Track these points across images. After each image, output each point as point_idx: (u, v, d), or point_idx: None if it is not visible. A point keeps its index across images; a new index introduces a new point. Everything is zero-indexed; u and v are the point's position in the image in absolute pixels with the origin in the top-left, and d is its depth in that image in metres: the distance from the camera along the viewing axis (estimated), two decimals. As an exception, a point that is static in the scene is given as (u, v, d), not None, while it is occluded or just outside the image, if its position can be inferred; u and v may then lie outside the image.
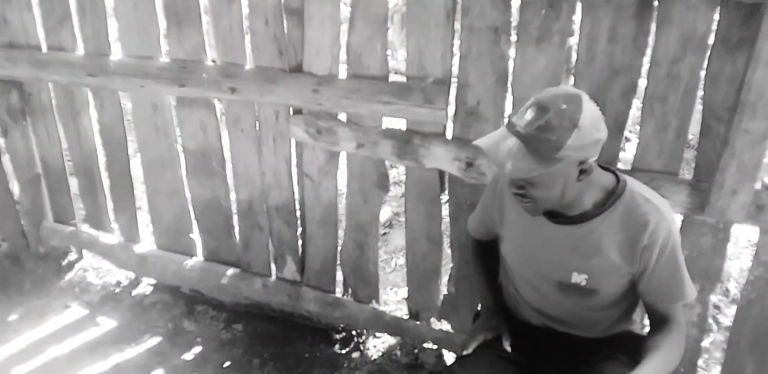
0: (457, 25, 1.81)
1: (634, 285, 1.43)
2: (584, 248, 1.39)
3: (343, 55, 1.99)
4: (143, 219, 2.71)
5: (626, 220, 1.35)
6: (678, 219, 1.72)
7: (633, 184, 1.40)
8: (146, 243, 2.68)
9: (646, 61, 1.61)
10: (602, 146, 1.30)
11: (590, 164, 1.29)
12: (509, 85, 1.80)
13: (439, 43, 1.83)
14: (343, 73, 2.02)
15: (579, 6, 1.63)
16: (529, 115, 1.23)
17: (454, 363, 1.55)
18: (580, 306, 1.46)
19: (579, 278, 1.41)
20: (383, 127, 2.02)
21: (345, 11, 1.99)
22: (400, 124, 1.99)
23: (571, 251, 1.40)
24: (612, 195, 1.37)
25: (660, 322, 1.42)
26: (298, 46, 2.03)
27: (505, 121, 1.84)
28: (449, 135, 1.94)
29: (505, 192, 1.50)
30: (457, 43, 1.83)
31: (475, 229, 1.70)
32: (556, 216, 1.41)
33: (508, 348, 1.49)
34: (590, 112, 1.25)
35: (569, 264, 1.41)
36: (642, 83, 1.65)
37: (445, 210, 2.08)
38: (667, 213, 1.36)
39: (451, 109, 1.89)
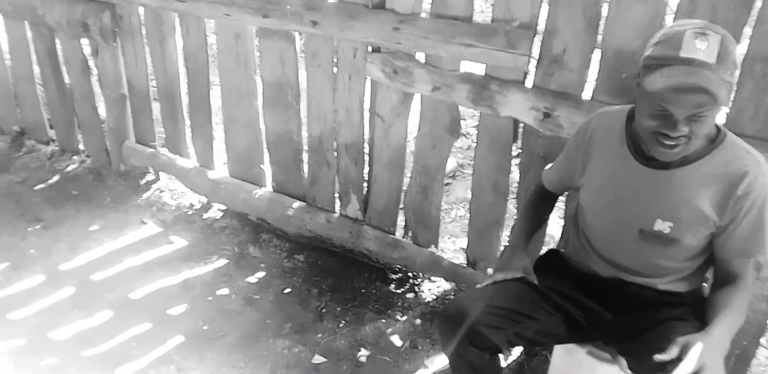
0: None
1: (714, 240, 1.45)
2: (674, 194, 1.41)
3: (428, -7, 2.00)
4: (218, 147, 2.89)
5: (724, 170, 1.37)
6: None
7: (733, 136, 1.41)
8: (219, 170, 2.87)
9: (752, 18, 1.55)
10: None
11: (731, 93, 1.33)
12: (599, 33, 1.77)
13: (529, -15, 1.81)
14: (425, 12, 2.03)
15: (687, -48, 1.56)
16: (702, 45, 1.24)
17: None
18: (657, 256, 1.49)
19: (663, 226, 1.43)
20: (461, 70, 2.04)
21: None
22: (478, 68, 2.01)
23: (659, 197, 1.42)
24: (712, 144, 1.39)
25: (730, 278, 1.45)
26: (383, -20, 2.05)
27: (590, 72, 1.83)
28: (529, 83, 1.94)
29: (595, 138, 1.53)
30: (548, -14, 1.80)
31: (550, 179, 1.74)
32: (649, 159, 1.43)
33: (535, 281, 1.57)
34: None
35: (655, 211, 1.43)
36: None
37: (515, 161, 2.11)
38: (765, 167, 1.38)
39: (535, 57, 1.89)
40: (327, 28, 2.18)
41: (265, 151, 2.67)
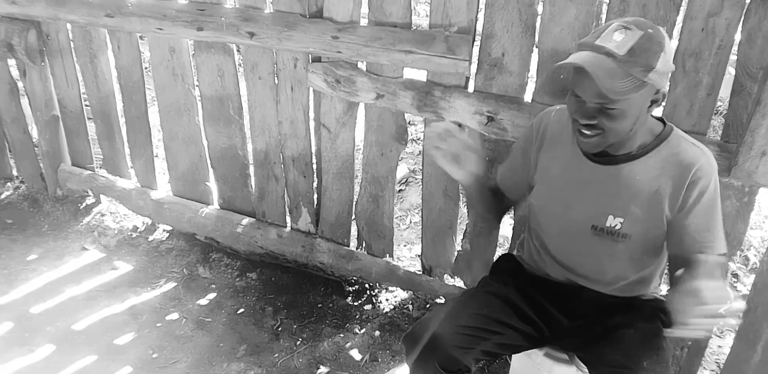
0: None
1: (665, 238, 1.45)
2: (624, 190, 1.42)
3: (364, 1, 2.00)
4: (160, 165, 2.81)
5: (672, 161, 1.39)
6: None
7: (679, 131, 1.45)
8: (162, 189, 2.79)
9: (681, 15, 1.60)
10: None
11: (663, 94, 1.33)
12: (536, 36, 1.80)
13: (465, -10, 1.83)
14: (364, 20, 2.03)
15: (614, -47, 1.61)
16: (618, 36, 1.26)
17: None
18: (608, 254, 1.49)
19: (614, 222, 1.44)
20: (403, 77, 2.04)
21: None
22: (420, 75, 2.01)
23: (610, 193, 1.44)
24: (658, 138, 1.41)
25: (685, 265, 1.37)
26: (319, -11, 2.04)
27: (530, 74, 1.86)
28: (471, 88, 1.96)
29: (548, 134, 1.53)
30: (484, -10, 1.82)
31: (503, 178, 1.69)
32: (598, 155, 1.44)
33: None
34: (669, 40, 1.28)
35: (606, 207, 1.44)
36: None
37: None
38: (711, 157, 1.41)
39: (475, 61, 1.90)
40: (265, 39, 2.15)
41: (210, 167, 2.61)
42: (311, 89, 2.22)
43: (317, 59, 2.15)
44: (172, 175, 2.71)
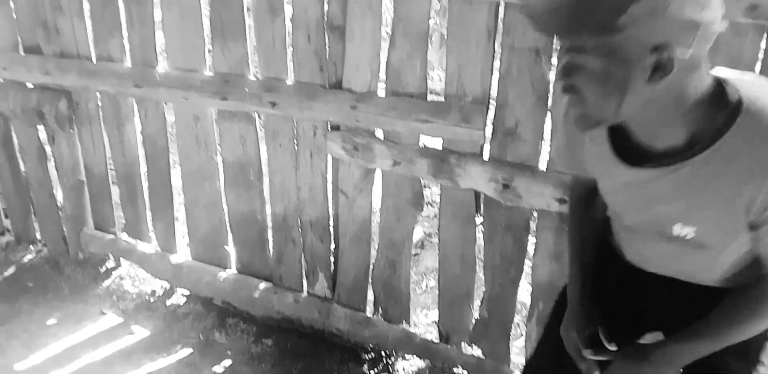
0: (497, 45, 1.91)
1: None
2: (683, 197, 1.08)
3: (382, 72, 2.11)
4: (180, 229, 2.88)
5: (745, 158, 1.00)
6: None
7: (757, 106, 0.99)
8: (182, 253, 2.85)
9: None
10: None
11: (672, 59, 0.92)
12: (549, 105, 1.88)
13: (478, 62, 1.92)
14: (381, 90, 2.13)
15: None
16: None
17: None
18: (687, 261, 1.21)
19: (684, 231, 1.12)
20: (420, 145, 2.12)
21: (386, 28, 2.11)
22: (436, 142, 2.09)
23: (665, 200, 1.11)
24: (721, 122, 1.00)
25: (760, 275, 1.14)
26: (338, 62, 2.16)
27: (544, 142, 1.93)
28: (486, 155, 2.03)
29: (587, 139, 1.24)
30: (497, 62, 1.92)
31: (570, 164, 1.37)
32: (632, 155, 1.11)
33: (612, 348, 1.26)
34: None
35: (668, 215, 1.13)
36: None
37: (479, 232, 2.16)
38: None
39: (489, 129, 1.98)
40: (286, 108, 2.26)
41: (229, 231, 2.68)
42: (329, 156, 2.30)
43: (336, 127, 2.25)
44: (192, 239, 2.79)
